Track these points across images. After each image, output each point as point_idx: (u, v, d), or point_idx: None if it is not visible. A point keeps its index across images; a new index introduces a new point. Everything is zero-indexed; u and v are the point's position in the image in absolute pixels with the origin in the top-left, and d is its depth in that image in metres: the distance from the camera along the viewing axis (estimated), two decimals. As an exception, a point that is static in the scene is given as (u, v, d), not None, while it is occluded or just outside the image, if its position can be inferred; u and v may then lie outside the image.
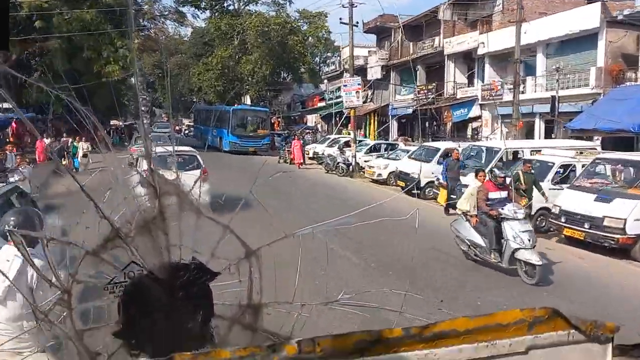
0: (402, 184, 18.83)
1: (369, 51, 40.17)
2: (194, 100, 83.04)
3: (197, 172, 11.27)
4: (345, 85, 23.23)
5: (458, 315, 1.21)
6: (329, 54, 66.74)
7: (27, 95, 31.54)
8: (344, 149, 23.42)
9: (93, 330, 1.31)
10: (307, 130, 40.63)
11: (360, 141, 28.49)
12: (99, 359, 1.30)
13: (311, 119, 51.97)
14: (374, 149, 25.28)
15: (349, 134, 39.53)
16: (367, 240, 10.46)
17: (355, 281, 7.70)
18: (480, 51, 28.97)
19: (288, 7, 51.78)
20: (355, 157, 23.55)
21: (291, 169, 25.54)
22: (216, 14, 51.88)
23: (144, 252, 1.32)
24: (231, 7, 52.94)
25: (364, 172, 23.72)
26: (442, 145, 19.06)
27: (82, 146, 21.64)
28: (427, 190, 18.39)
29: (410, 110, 34.26)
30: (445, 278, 8.91)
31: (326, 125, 45.12)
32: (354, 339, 1.09)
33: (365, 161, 24.37)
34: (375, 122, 37.57)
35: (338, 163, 23.04)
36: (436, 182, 14.60)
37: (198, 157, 13.64)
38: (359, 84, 23.21)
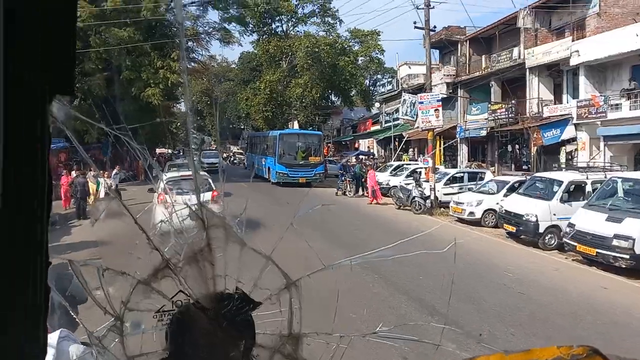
0: (511, 228, 13.85)
1: (431, 68, 35.39)
2: (242, 127, 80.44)
3: (209, 193, 11.69)
4: (421, 103, 18.54)
5: (496, 350, 1.18)
6: (378, 76, 62.53)
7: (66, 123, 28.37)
8: (420, 180, 18.56)
9: (142, 356, 1.28)
10: (366, 156, 36.11)
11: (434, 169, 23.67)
12: None
13: (364, 144, 47.42)
14: (454, 180, 20.35)
15: (410, 159, 34.76)
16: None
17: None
18: (573, 61, 23.76)
19: (338, 27, 47.97)
20: (434, 190, 18.68)
21: (352, 203, 20.92)
22: (264, 37, 48.59)
23: (192, 282, 1.29)
24: (279, 29, 49.58)
25: (445, 208, 18.85)
26: (565, 176, 13.94)
27: (104, 183, 17.24)
28: (547, 237, 13.35)
29: (484, 132, 29.18)
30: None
31: (383, 151, 40.40)
32: None
33: (444, 194, 19.49)
34: (441, 146, 32.59)
35: (414, 198, 18.20)
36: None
37: (209, 179, 14.20)
38: (438, 101, 18.48)
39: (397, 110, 38.18)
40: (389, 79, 60.63)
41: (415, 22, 20.58)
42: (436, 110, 18.26)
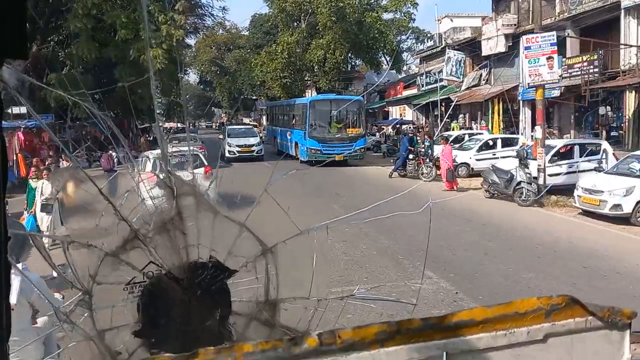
0: None
1: (483, 18, 29.49)
2: (254, 97, 74.63)
3: (201, 169, 11.19)
4: (527, 48, 12.91)
5: (474, 305, 1.25)
6: (402, 36, 56.02)
7: (47, 95, 23.08)
8: (527, 158, 13.05)
9: (113, 330, 1.26)
10: (408, 125, 30.54)
11: (511, 140, 18.14)
12: (120, 358, 1.28)
13: (394, 111, 41.68)
14: (561, 155, 14.79)
15: (461, 127, 29.21)
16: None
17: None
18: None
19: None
20: (545, 173, 13.24)
21: (419, 190, 15.56)
22: (280, -7, 42.38)
23: (163, 252, 1.27)
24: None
25: (557, 196, 13.47)
26: None
27: (44, 188, 9.25)
28: None
29: (556, 92, 23.47)
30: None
31: (424, 118, 34.75)
32: (374, 330, 1.09)
33: (549, 175, 14.04)
34: (500, 110, 26.95)
35: (519, 184, 12.79)
36: None
37: (201, 155, 13.24)
38: (553, 45, 12.78)
39: (440, 71, 32.41)
40: (414, 39, 54.35)
41: None
42: (549, 57, 12.68)
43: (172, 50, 22.54)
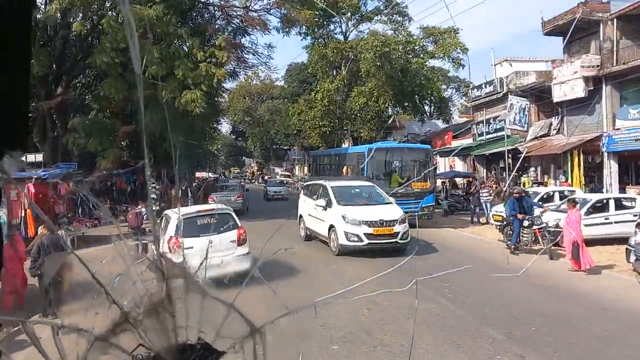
0: None
1: (552, 61, 25.94)
2: (287, 147, 72.24)
3: (234, 232, 9.53)
4: None
5: None
6: (443, 86, 52.79)
7: (72, 142, 20.12)
8: None
9: None
10: (466, 178, 26.60)
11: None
12: None
13: (442, 163, 37.83)
14: None
15: (533, 182, 25.12)
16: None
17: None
18: None
19: (407, 25, 39.02)
20: None
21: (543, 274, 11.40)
22: (319, 40, 40.07)
23: (152, 335, 1.21)
24: (337, 30, 41.01)
25: None
26: None
27: None
28: None
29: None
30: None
31: (484, 170, 30.74)
32: None
33: None
34: (581, 163, 22.88)
35: None
36: None
37: (233, 215, 10.38)
38: None
39: (493, 119, 28.75)
40: (455, 89, 51.12)
41: None
42: None
43: (212, 92, 19.47)
